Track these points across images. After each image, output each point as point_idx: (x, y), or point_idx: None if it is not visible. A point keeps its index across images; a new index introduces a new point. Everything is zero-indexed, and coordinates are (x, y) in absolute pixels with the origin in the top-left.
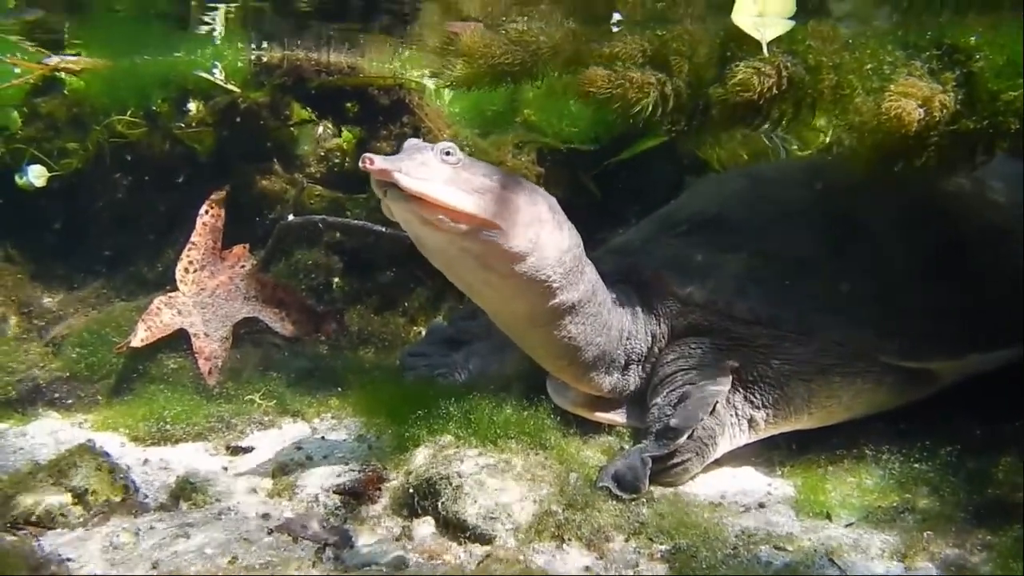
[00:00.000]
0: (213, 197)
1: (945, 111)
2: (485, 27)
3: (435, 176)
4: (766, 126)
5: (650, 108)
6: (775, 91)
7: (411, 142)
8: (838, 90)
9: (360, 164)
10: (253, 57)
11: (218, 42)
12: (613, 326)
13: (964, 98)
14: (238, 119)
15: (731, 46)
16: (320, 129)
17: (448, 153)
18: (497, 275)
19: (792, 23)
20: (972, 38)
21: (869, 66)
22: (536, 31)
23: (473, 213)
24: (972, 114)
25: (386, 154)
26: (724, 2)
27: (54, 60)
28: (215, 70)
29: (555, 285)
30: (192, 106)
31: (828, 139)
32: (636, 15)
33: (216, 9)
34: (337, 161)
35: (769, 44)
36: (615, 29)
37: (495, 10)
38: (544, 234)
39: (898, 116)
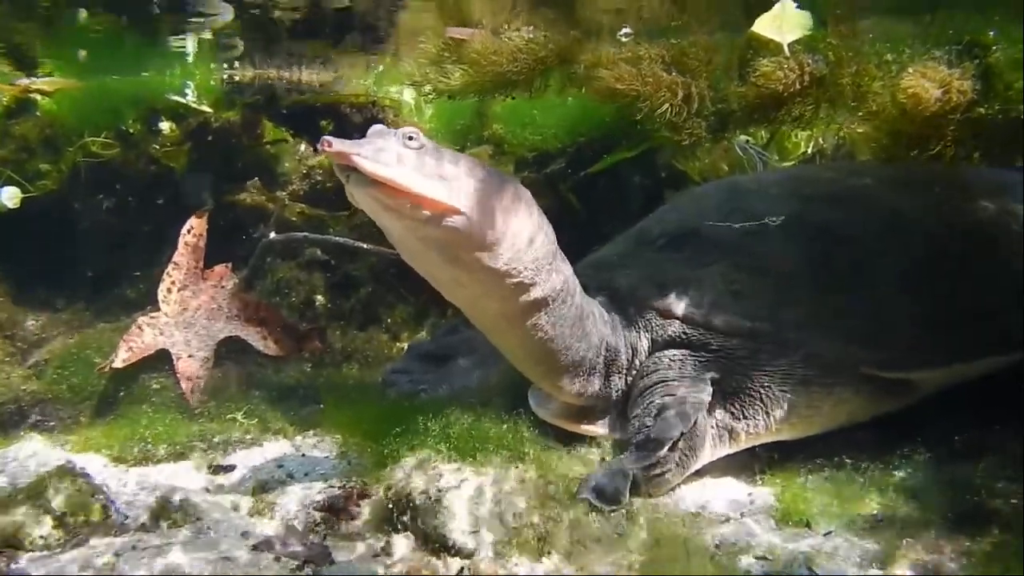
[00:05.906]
0: (195, 216)
1: (963, 97)
2: (490, 33)
3: (395, 160)
4: (784, 125)
5: (676, 109)
6: (798, 86)
7: (375, 128)
8: (858, 79)
9: (318, 147)
10: (225, 76)
11: (190, 60)
12: (592, 331)
13: (982, 89)
14: (210, 138)
15: (750, 53)
16: (302, 146)
17: (411, 138)
18: (464, 269)
19: (811, 23)
20: (991, 33)
21: (889, 56)
22: (543, 39)
23: (432, 198)
24: (987, 103)
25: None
26: (736, 21)
27: (25, 81)
28: (187, 90)
29: (526, 280)
30: (164, 125)
31: (809, 150)
32: (645, 29)
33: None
34: (320, 179)
35: (790, 46)
36: (624, 40)
37: (499, 17)
38: (511, 223)
39: (916, 95)
